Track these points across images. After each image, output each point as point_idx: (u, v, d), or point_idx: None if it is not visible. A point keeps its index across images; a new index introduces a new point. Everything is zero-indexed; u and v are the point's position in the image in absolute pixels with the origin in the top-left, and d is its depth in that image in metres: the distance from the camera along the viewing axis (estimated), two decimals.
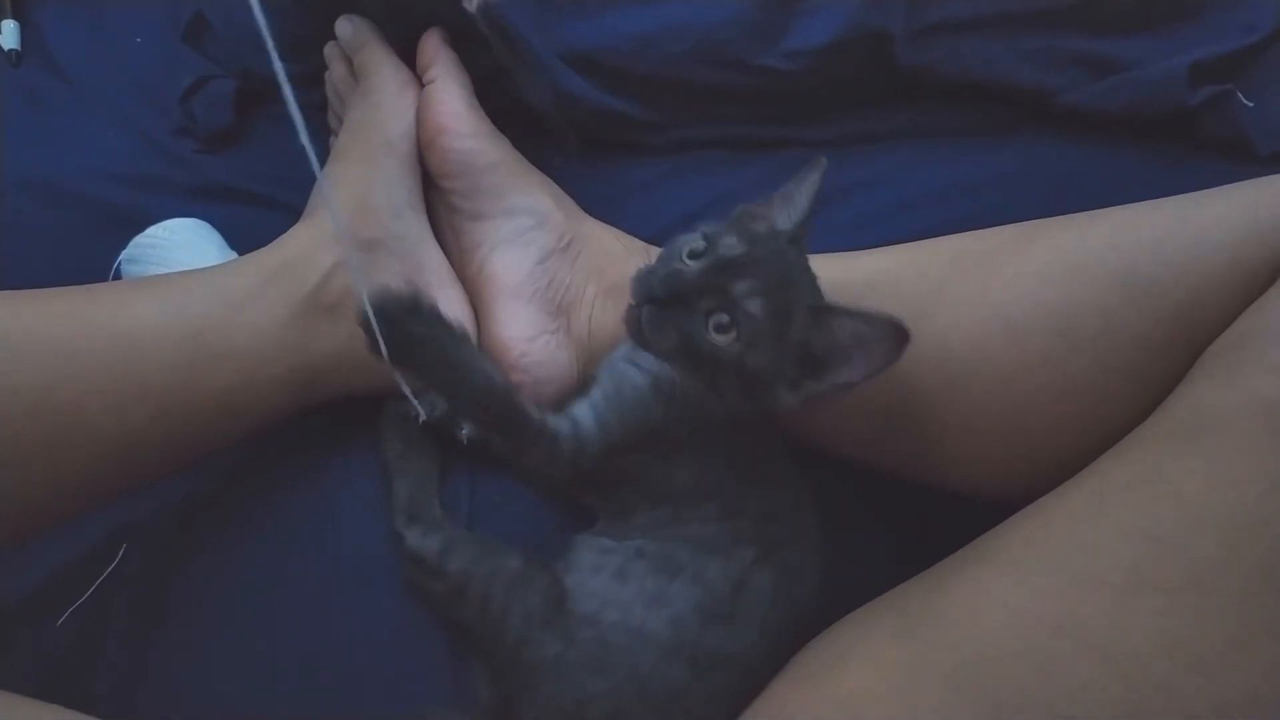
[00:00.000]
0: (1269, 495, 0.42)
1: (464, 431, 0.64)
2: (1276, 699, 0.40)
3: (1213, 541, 0.42)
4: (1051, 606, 0.43)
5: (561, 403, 0.60)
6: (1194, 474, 0.44)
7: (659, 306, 0.52)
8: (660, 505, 0.58)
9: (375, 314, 0.51)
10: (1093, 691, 0.41)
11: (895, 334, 0.49)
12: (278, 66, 0.51)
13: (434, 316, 0.53)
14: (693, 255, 0.54)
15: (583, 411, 0.58)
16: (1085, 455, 0.50)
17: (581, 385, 0.62)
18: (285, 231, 0.65)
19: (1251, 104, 0.74)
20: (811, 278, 0.55)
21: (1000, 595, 0.46)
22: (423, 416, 0.61)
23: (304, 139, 0.52)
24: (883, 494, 0.63)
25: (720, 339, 0.51)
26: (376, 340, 0.52)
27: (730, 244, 0.53)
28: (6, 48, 0.82)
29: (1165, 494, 0.44)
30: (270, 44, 0.51)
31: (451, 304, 0.67)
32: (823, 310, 0.52)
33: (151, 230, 0.70)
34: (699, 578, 0.55)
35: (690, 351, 0.52)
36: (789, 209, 0.57)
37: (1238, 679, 0.40)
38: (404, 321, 0.52)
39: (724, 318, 0.51)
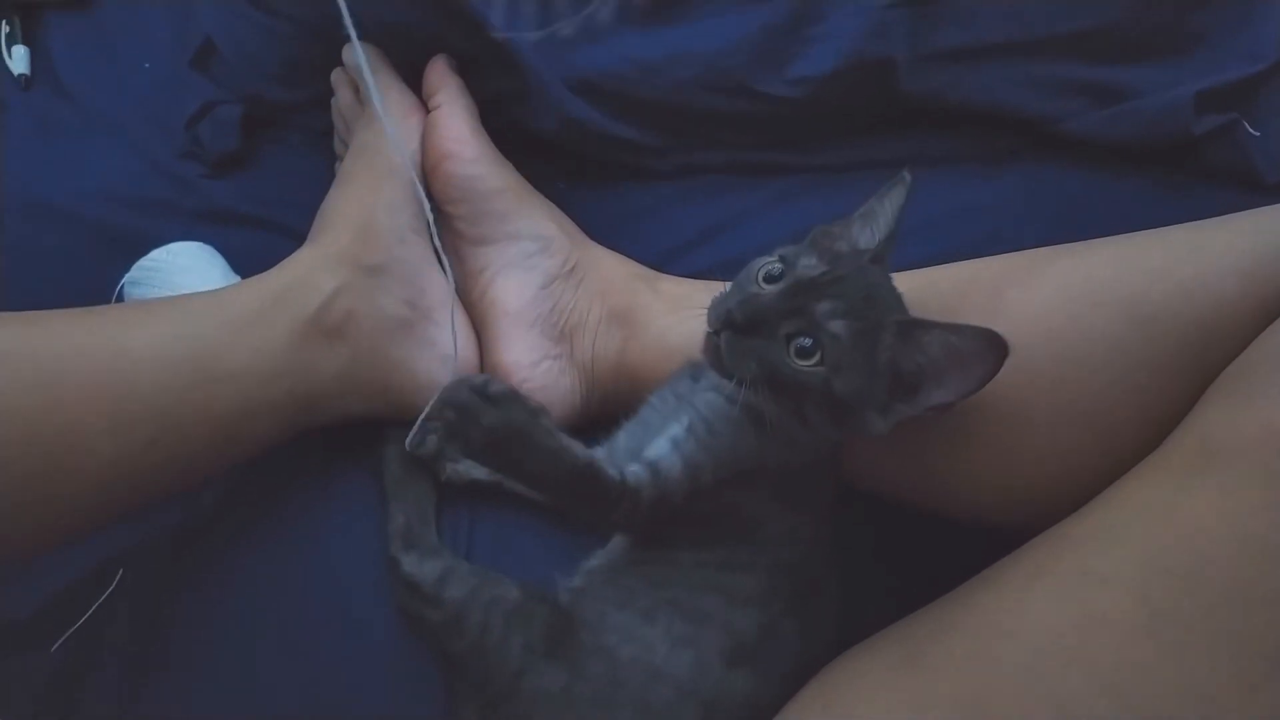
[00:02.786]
0: (1274, 529, 0.41)
1: (447, 473, 0.64)
2: None
3: (1225, 574, 0.41)
4: (1061, 641, 0.43)
5: (571, 426, 0.59)
6: (1205, 504, 0.43)
7: (738, 333, 0.50)
8: (711, 550, 0.55)
9: (449, 407, 0.48)
10: None
11: (992, 345, 0.47)
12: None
13: (508, 399, 0.49)
14: (769, 279, 0.52)
15: (664, 455, 0.54)
16: (1094, 482, 0.49)
17: (625, 415, 0.59)
18: (289, 255, 0.65)
19: (1257, 133, 0.74)
20: (896, 295, 0.53)
21: (1008, 627, 0.45)
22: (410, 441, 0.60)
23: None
24: (885, 520, 0.62)
25: (804, 364, 0.49)
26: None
27: (809, 264, 0.51)
28: (16, 72, 0.83)
29: (1176, 525, 0.44)
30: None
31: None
32: (911, 325, 0.50)
33: (155, 253, 0.70)
34: (728, 626, 0.53)
35: (774, 379, 0.50)
36: (870, 227, 0.55)
37: (1250, 714, 0.39)
38: (479, 412, 0.48)
39: (807, 341, 0.49)
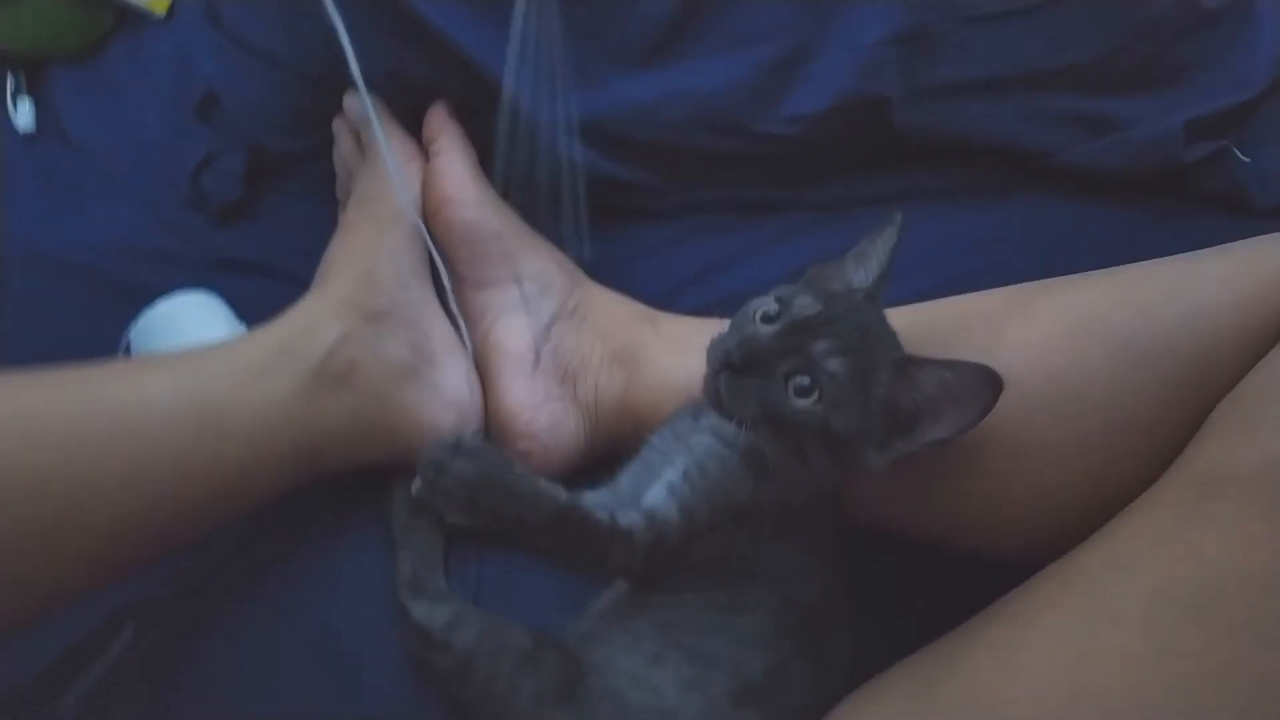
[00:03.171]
0: (1277, 561, 0.41)
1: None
2: None
3: (1231, 604, 0.42)
4: (1071, 673, 0.43)
5: (567, 472, 0.59)
6: (1209, 535, 0.44)
7: (737, 373, 0.51)
8: (714, 591, 0.55)
9: (426, 465, 0.50)
10: None
11: (987, 382, 0.48)
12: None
13: (480, 449, 0.51)
14: (766, 319, 0.53)
15: (659, 501, 0.55)
16: (1094, 514, 0.50)
17: (625, 459, 0.60)
18: (293, 303, 0.65)
19: (1248, 159, 0.75)
20: (891, 333, 0.54)
21: (1019, 660, 0.45)
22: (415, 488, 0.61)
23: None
24: (894, 556, 0.62)
25: (802, 402, 0.50)
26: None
27: (805, 304, 0.52)
28: (21, 130, 0.84)
29: (1182, 556, 0.44)
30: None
31: (457, 373, 0.67)
32: (906, 362, 0.51)
33: (160, 304, 0.70)
34: (737, 669, 0.53)
35: (773, 418, 0.50)
36: (864, 267, 0.56)
37: None
38: (451, 465, 0.50)
39: (805, 380, 0.50)
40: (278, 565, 0.64)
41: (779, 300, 0.54)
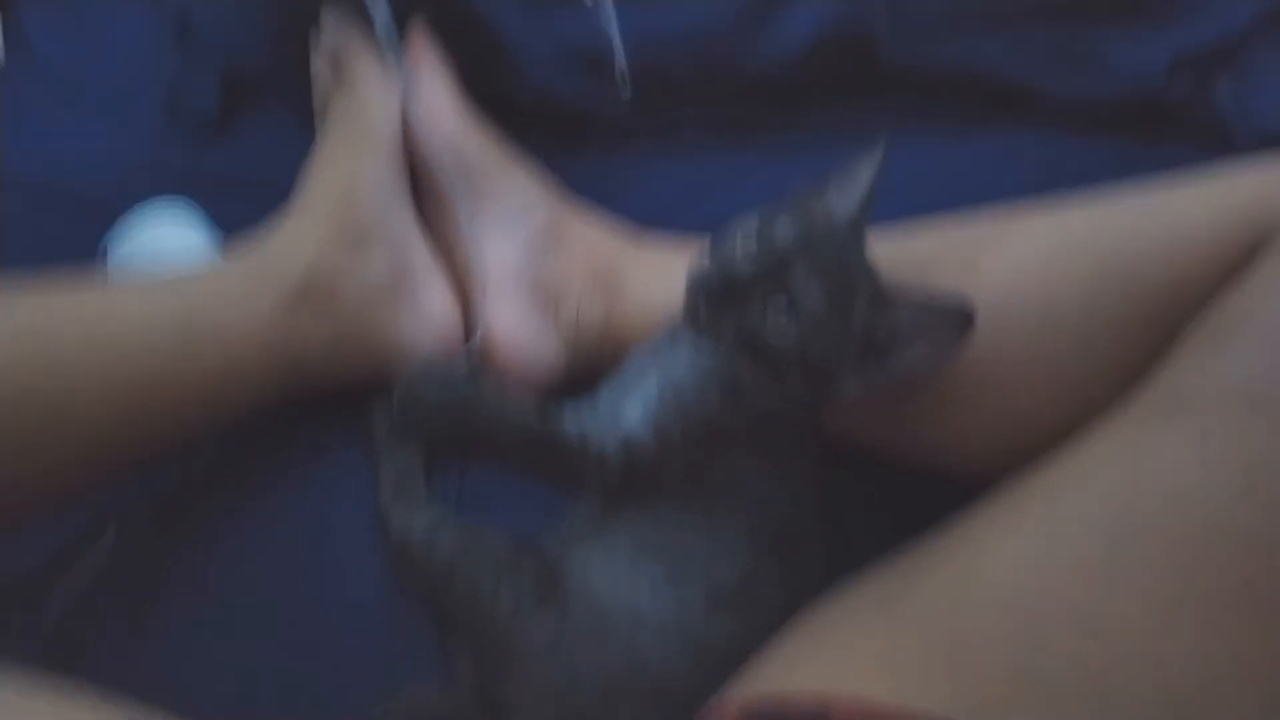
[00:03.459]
0: (1246, 472, 0.43)
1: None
2: (1258, 664, 0.40)
3: (1191, 518, 0.43)
4: (1031, 580, 0.44)
5: (548, 395, 0.60)
6: (1172, 451, 0.45)
7: (716, 298, 0.52)
8: (691, 502, 0.57)
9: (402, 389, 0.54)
10: (1075, 662, 0.41)
11: (960, 318, 0.49)
12: None
13: (449, 371, 0.54)
14: (746, 243, 0.53)
15: (633, 419, 0.57)
16: (1068, 434, 0.51)
17: (608, 378, 0.62)
18: (271, 222, 0.65)
19: (1231, 94, 0.75)
20: (870, 263, 0.54)
21: (980, 569, 0.46)
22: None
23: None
24: (869, 474, 0.63)
25: (780, 329, 0.51)
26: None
27: (786, 231, 0.53)
28: None
29: (1144, 471, 0.45)
30: None
31: (438, 293, 0.67)
32: (884, 293, 0.52)
33: (138, 216, 0.70)
34: (710, 574, 0.55)
35: (750, 344, 0.51)
36: (846, 193, 0.56)
37: (1219, 646, 0.40)
38: (422, 387, 0.54)
39: (783, 308, 0.51)
40: (261, 476, 0.64)
41: (760, 225, 0.54)
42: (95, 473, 0.56)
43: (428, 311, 0.66)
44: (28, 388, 0.51)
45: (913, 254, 0.59)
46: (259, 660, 0.59)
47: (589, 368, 0.67)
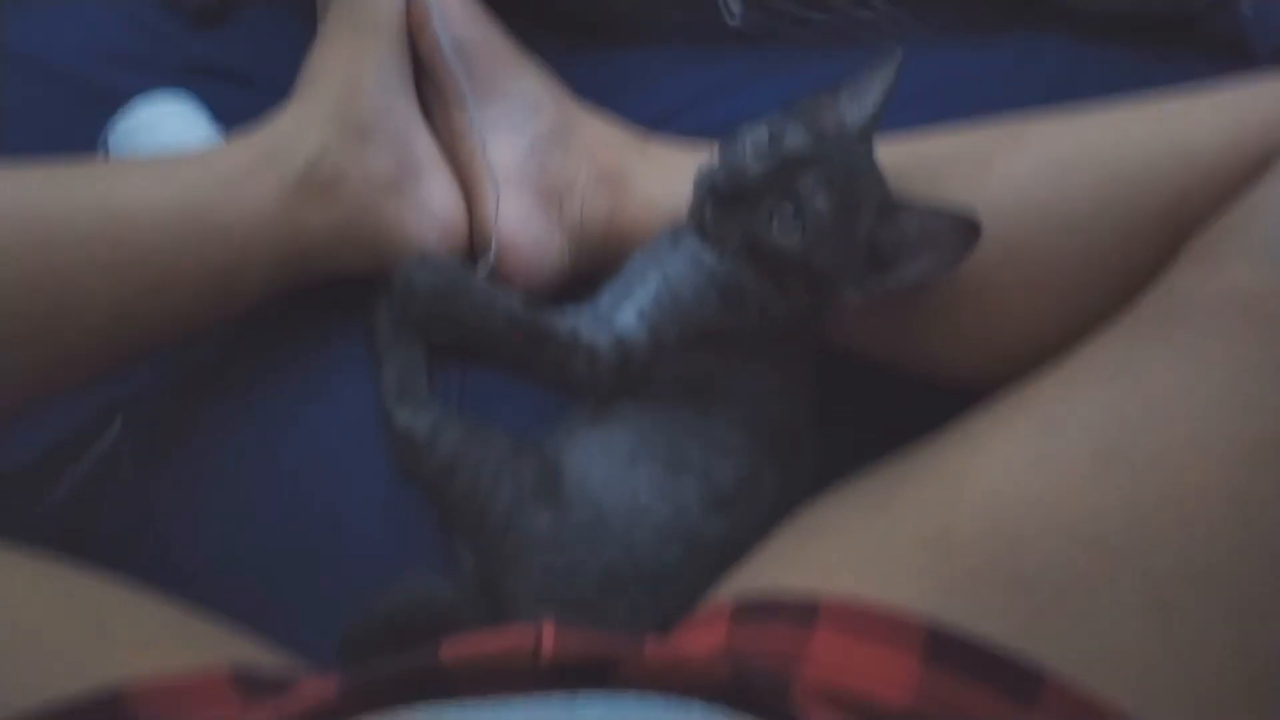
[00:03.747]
0: (1239, 381, 0.43)
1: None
2: (1242, 570, 0.42)
3: (1181, 424, 0.44)
4: (1021, 483, 0.45)
5: (551, 292, 0.61)
6: (1166, 359, 0.45)
7: (723, 203, 0.52)
8: (690, 402, 0.58)
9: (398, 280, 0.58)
10: (1061, 566, 0.42)
11: (965, 229, 0.49)
12: None
13: (441, 262, 0.57)
14: (756, 149, 0.53)
15: (627, 317, 0.57)
16: (1067, 344, 0.51)
17: (611, 276, 0.62)
18: (273, 111, 0.64)
19: (1252, 5, 0.74)
20: (879, 173, 0.54)
21: (971, 473, 0.47)
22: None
23: None
24: (856, 378, 0.64)
25: (785, 236, 0.51)
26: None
27: (796, 138, 0.52)
28: None
29: (1137, 378, 0.46)
30: None
31: (442, 188, 0.67)
32: (891, 204, 0.52)
33: (138, 107, 0.69)
34: (708, 474, 0.56)
35: (755, 249, 0.52)
36: (858, 102, 0.56)
37: (1203, 552, 0.42)
38: (415, 277, 0.57)
39: (790, 214, 0.51)
40: (265, 369, 0.65)
41: (770, 131, 0.54)
42: (103, 361, 0.57)
43: (432, 206, 0.66)
44: (30, 271, 0.51)
45: (924, 157, 0.59)
46: (263, 547, 0.60)
47: (592, 266, 0.67)
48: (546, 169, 0.67)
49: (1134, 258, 0.52)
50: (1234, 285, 0.45)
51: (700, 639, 0.47)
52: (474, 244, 0.68)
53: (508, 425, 0.61)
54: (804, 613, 0.44)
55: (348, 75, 0.65)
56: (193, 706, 0.41)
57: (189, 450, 0.63)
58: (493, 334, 0.58)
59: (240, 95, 0.73)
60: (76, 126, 0.70)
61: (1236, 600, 0.41)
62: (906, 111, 0.72)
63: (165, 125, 0.68)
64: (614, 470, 0.56)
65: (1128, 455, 0.44)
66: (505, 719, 0.36)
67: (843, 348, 0.62)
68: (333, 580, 0.59)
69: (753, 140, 0.53)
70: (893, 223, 0.52)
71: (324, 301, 0.65)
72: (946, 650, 0.41)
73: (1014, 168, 0.55)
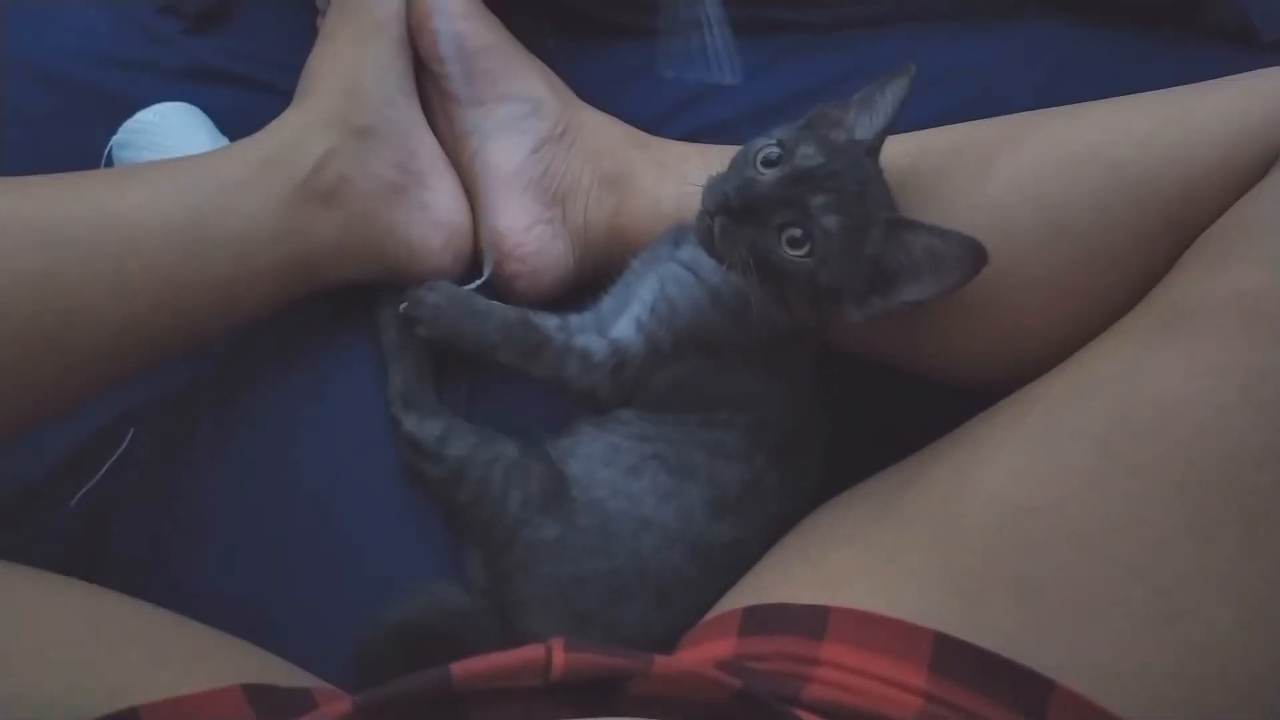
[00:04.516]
0: (1243, 386, 0.43)
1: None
2: (1248, 574, 0.42)
3: (1185, 429, 0.44)
4: (1027, 489, 0.45)
5: (558, 296, 0.62)
6: (1171, 363, 0.45)
7: (733, 218, 0.52)
8: (692, 408, 0.58)
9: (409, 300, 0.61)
10: (1069, 573, 0.43)
11: (972, 253, 0.49)
12: None
13: (446, 284, 0.62)
14: (767, 163, 0.53)
15: (625, 328, 0.58)
16: (1072, 345, 0.51)
17: (607, 284, 0.63)
18: (275, 115, 0.64)
19: None
20: (887, 191, 0.54)
21: (977, 478, 0.47)
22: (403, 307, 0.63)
23: None
24: (865, 382, 0.64)
25: (794, 254, 0.51)
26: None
27: (808, 154, 0.52)
28: None
29: (1142, 383, 0.46)
30: None
31: (446, 192, 0.67)
32: (898, 224, 0.52)
33: (141, 115, 0.69)
34: (712, 479, 0.56)
35: (761, 264, 0.52)
36: (869, 115, 0.56)
37: (1211, 558, 0.42)
38: (424, 294, 0.60)
39: (798, 232, 0.51)
40: (274, 374, 0.65)
41: (781, 145, 0.53)
42: (112, 373, 0.57)
43: (436, 209, 0.66)
44: (38, 284, 0.51)
45: (930, 153, 0.58)
46: (274, 558, 0.61)
47: (596, 269, 0.67)
48: (550, 171, 0.67)
49: (1139, 257, 0.51)
50: (1241, 287, 0.45)
51: (709, 650, 0.47)
52: (479, 246, 0.68)
53: (516, 429, 0.61)
54: (813, 624, 0.44)
55: (349, 77, 0.65)
56: None
57: (199, 462, 0.63)
58: (491, 344, 0.59)
59: (243, 99, 0.73)
60: (78, 133, 0.70)
61: (1245, 606, 0.41)
62: (914, 101, 0.72)
63: (169, 135, 0.68)
64: (619, 478, 0.57)
65: (1134, 462, 0.44)
66: None
67: (844, 349, 0.62)
68: (345, 589, 0.60)
69: (764, 154, 0.54)
70: (899, 242, 0.52)
71: (331, 306, 0.66)
72: (954, 660, 0.41)
73: (1017, 166, 0.55)
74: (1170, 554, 0.42)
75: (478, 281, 0.65)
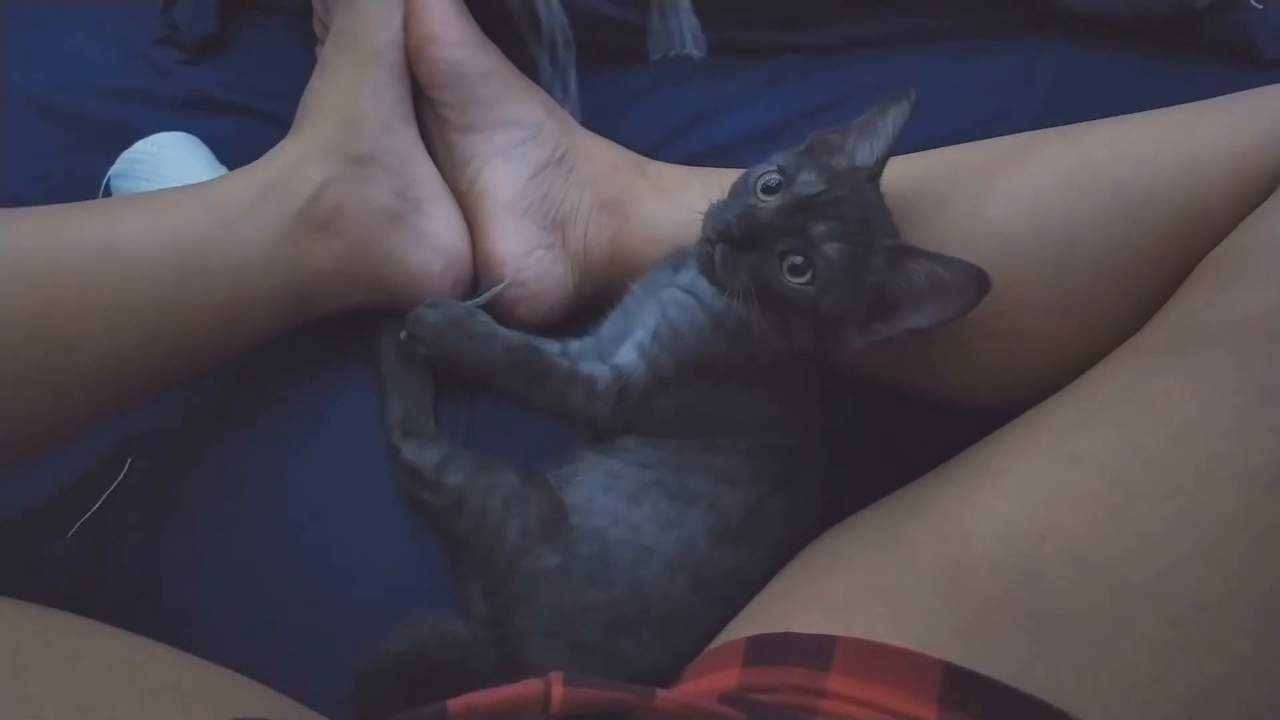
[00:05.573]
0: (1252, 407, 0.43)
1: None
2: (1260, 598, 0.41)
3: (1195, 452, 0.43)
4: (1036, 515, 0.45)
5: (557, 321, 0.62)
6: (1179, 387, 0.45)
7: (734, 246, 0.51)
8: (693, 433, 0.58)
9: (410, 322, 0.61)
10: (1079, 602, 0.42)
11: (975, 280, 0.49)
12: None
13: (447, 302, 0.61)
14: (767, 190, 0.53)
15: (627, 354, 0.58)
16: (1079, 368, 0.51)
17: (609, 307, 0.63)
18: (273, 144, 0.64)
19: (1260, 5, 0.73)
20: (888, 217, 0.54)
21: (985, 504, 0.47)
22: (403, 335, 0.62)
23: None
24: (870, 405, 0.63)
25: (795, 281, 0.51)
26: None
27: (809, 181, 0.52)
28: None
29: (1150, 406, 0.45)
30: None
31: (444, 219, 0.66)
32: (900, 251, 0.52)
33: (139, 145, 0.69)
34: (714, 506, 0.56)
35: (763, 292, 0.51)
36: (869, 141, 0.55)
37: (1224, 586, 0.41)
38: (425, 315, 0.60)
39: (800, 260, 0.51)
40: (272, 402, 0.65)
41: (781, 172, 0.53)
42: (109, 403, 0.56)
43: (435, 236, 0.65)
44: (35, 315, 0.51)
45: (931, 174, 0.58)
46: (271, 589, 0.60)
47: (596, 294, 0.67)
48: (549, 197, 0.67)
49: (1145, 277, 0.51)
50: (1249, 308, 0.45)
51: (712, 682, 0.47)
52: (478, 273, 0.67)
53: (516, 455, 0.61)
54: (818, 654, 0.44)
55: (346, 105, 0.65)
56: None
57: (196, 493, 0.62)
58: (494, 369, 0.60)
59: (241, 127, 0.73)
60: (76, 163, 0.70)
61: (1260, 635, 0.41)
62: (916, 122, 0.72)
63: (168, 165, 0.68)
64: (619, 505, 0.56)
65: (1146, 486, 0.43)
66: None
67: (849, 372, 0.61)
68: (344, 620, 0.59)
69: (764, 180, 0.53)
70: (902, 269, 0.51)
71: (327, 334, 0.65)
72: (964, 692, 0.40)
73: (1019, 187, 0.55)
74: (1184, 582, 0.41)
75: (478, 300, 0.65)
